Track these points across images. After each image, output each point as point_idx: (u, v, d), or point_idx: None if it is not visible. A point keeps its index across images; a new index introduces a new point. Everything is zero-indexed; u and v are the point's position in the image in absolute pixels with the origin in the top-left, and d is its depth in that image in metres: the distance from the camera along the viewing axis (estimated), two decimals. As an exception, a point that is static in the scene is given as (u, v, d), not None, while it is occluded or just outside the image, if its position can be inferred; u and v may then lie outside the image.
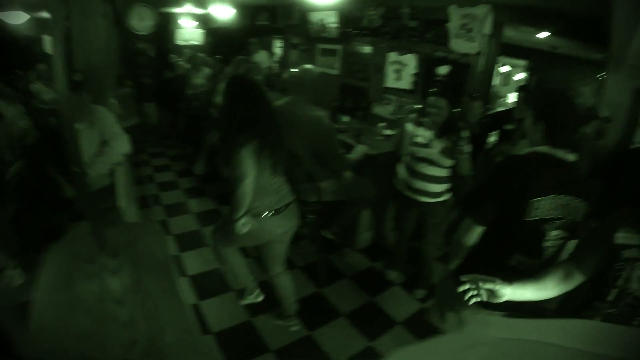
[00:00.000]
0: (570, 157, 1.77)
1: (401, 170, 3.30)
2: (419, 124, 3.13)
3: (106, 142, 2.91)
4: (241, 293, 3.26)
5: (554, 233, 1.78)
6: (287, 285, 2.94)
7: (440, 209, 3.20)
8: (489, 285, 1.52)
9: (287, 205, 2.64)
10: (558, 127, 1.76)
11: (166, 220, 4.59)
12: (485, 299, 1.53)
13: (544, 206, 1.74)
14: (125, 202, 3.19)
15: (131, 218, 3.45)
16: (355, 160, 3.47)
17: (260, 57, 7.67)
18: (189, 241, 4.11)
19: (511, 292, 1.53)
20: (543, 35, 5.16)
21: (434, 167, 3.05)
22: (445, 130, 3.01)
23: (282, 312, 3.05)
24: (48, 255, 1.53)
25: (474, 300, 1.55)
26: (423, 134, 3.06)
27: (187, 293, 3.33)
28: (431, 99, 3.02)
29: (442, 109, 2.97)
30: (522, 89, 5.28)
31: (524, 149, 1.91)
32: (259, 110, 2.39)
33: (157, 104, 7.54)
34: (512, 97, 8.62)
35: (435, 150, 3.00)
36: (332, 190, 3.38)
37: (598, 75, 4.98)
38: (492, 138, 4.11)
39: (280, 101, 3.31)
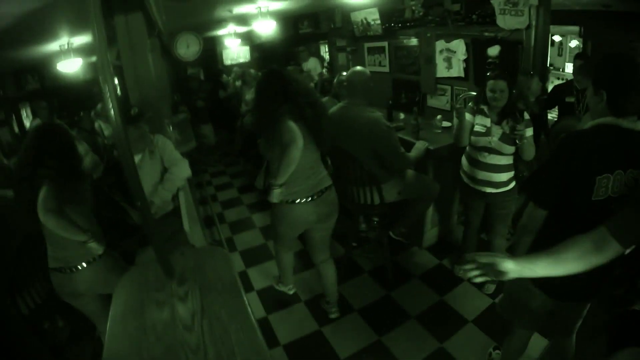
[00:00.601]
0: (638, 125, 1.57)
1: (464, 162, 3.19)
2: (476, 111, 3.00)
3: (167, 169, 3.02)
4: (278, 280, 3.50)
5: None
6: (328, 273, 3.12)
7: (507, 199, 3.03)
8: (485, 260, 1.35)
9: (322, 192, 2.76)
10: (620, 94, 1.56)
11: (232, 237, 4.69)
12: (492, 277, 1.35)
13: (612, 183, 1.56)
14: (190, 225, 3.26)
15: (197, 240, 3.53)
16: (416, 158, 3.36)
17: (311, 65, 7.70)
18: (255, 256, 4.16)
19: (517, 268, 1.33)
20: None
21: (495, 155, 2.91)
22: (504, 115, 2.87)
23: (325, 299, 3.25)
24: (119, 284, 1.57)
25: (479, 280, 1.38)
26: (481, 122, 2.94)
27: (255, 307, 3.39)
28: (490, 82, 2.88)
29: (504, 91, 2.82)
30: (578, 56, 4.97)
31: (587, 122, 1.73)
32: (291, 91, 2.54)
33: (213, 124, 7.77)
34: (569, 68, 8.17)
35: (495, 138, 2.87)
36: (396, 191, 3.32)
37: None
38: (554, 114, 3.87)
39: (334, 107, 3.31)
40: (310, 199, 2.71)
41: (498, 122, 2.88)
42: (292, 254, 3.32)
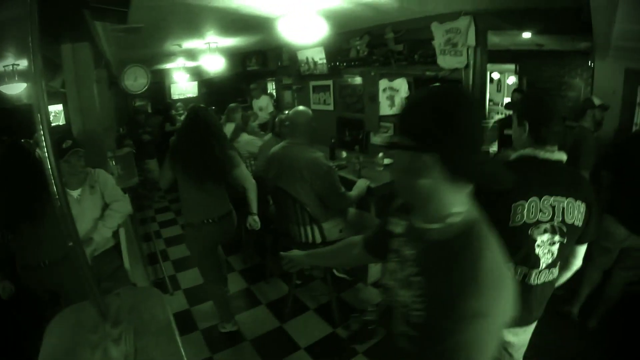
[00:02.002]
0: (555, 155, 1.73)
1: None
2: None
3: (108, 205, 2.93)
4: (221, 321, 3.42)
5: (545, 237, 1.69)
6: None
7: None
8: (285, 254, 1.80)
9: (219, 218, 3.08)
10: (540, 124, 1.73)
11: (175, 275, 4.56)
12: (296, 265, 1.80)
13: (527, 210, 1.67)
14: (131, 262, 3.16)
15: (139, 278, 3.42)
16: (357, 196, 3.43)
17: (263, 103, 7.75)
18: (199, 294, 4.01)
19: (304, 259, 1.78)
20: (527, 35, 5.14)
21: None
22: None
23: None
24: (50, 325, 1.50)
25: (292, 270, 1.83)
26: None
27: (199, 347, 3.29)
28: None
29: None
30: (515, 91, 5.32)
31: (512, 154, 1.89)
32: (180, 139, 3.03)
33: (159, 159, 7.60)
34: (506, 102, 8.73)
35: None
36: (337, 230, 3.36)
37: (589, 62, 4.95)
38: (493, 148, 4.06)
39: (276, 146, 3.36)
40: (205, 222, 3.03)
41: None
42: (224, 289, 3.34)
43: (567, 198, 1.68)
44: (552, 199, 1.68)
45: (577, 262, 1.86)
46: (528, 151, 1.75)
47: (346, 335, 3.25)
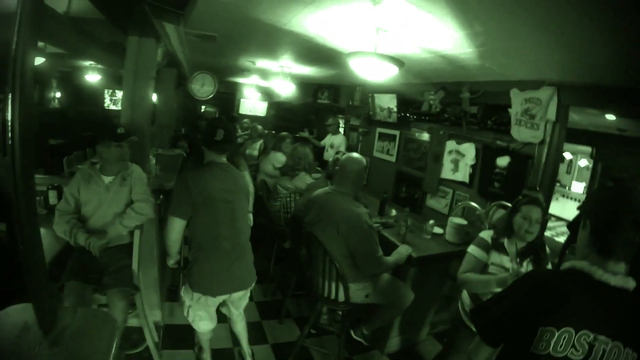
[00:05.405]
0: (617, 279, 1.26)
1: (467, 301, 2.65)
2: (491, 247, 2.53)
3: (132, 203, 2.87)
4: None
5: None
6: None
7: None
8: None
9: None
10: (603, 227, 1.29)
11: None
12: None
13: (555, 340, 1.24)
14: (143, 265, 2.97)
15: (147, 281, 3.24)
16: (395, 263, 3.08)
17: (337, 141, 7.50)
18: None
19: None
20: (610, 117, 4.67)
21: None
22: (528, 250, 2.46)
23: None
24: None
25: None
26: (499, 262, 2.46)
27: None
28: (524, 207, 2.42)
29: (539, 222, 2.39)
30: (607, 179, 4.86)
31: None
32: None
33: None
34: (575, 186, 8.07)
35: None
36: (364, 294, 3.05)
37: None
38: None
39: (320, 190, 3.19)
40: None
41: (520, 261, 2.44)
42: None
43: (614, 341, 1.23)
44: (592, 336, 1.24)
45: None
46: (582, 264, 1.31)
47: None
